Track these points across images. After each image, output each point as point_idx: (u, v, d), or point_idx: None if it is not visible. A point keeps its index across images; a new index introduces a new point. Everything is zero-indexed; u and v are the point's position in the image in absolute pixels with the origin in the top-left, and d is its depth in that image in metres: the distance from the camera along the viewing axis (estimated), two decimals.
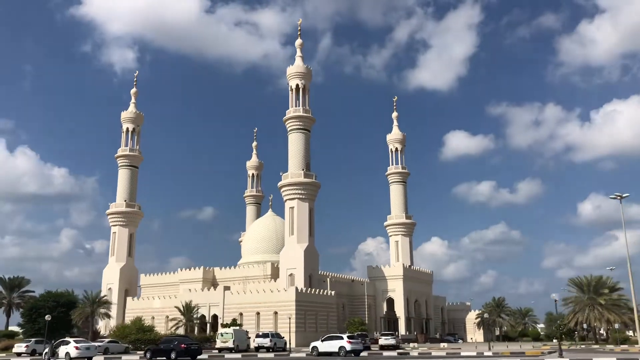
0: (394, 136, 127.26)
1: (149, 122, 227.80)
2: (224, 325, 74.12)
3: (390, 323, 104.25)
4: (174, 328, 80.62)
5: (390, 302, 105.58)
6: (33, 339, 61.47)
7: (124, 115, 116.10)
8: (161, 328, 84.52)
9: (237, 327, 67.87)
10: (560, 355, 40.30)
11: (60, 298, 78.25)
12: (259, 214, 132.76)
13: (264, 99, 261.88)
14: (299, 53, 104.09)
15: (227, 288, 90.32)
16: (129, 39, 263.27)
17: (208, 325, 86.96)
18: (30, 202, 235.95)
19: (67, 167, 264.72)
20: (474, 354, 51.24)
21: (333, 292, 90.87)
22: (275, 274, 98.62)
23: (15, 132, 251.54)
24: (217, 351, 59.51)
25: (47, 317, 53.61)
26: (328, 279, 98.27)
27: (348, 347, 49.73)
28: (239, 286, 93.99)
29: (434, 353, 54.61)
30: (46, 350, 46.59)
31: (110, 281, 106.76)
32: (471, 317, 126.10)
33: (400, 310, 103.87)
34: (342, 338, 51.51)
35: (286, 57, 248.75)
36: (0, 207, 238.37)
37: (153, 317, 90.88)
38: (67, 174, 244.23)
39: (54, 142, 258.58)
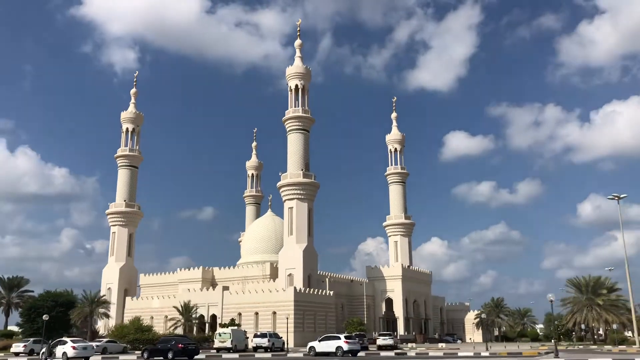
0: (393, 136, 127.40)
1: (150, 123, 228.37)
2: (222, 325, 74.26)
3: (389, 323, 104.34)
4: (172, 328, 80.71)
5: (389, 302, 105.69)
6: (31, 339, 61.47)
7: (124, 115, 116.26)
8: (160, 328, 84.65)
9: (235, 327, 67.93)
10: (556, 356, 40.37)
11: (59, 298, 78.31)
12: (258, 214, 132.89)
13: (264, 99, 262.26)
14: (298, 53, 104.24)
15: (225, 288, 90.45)
16: (129, 39, 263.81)
17: (207, 325, 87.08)
18: (30, 202, 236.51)
19: (67, 167, 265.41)
20: (472, 354, 51.34)
21: (332, 292, 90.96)
22: (274, 274, 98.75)
23: (16, 132, 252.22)
24: (215, 351, 59.60)
25: (45, 317, 53.74)
26: (327, 279, 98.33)
27: (345, 347, 49.82)
28: (238, 286, 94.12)
29: (431, 353, 54.72)
30: (43, 350, 46.70)
31: (109, 281, 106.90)
32: (470, 318, 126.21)
33: (399, 310, 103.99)
34: (339, 338, 51.55)
35: (286, 57, 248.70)
36: (1, 207, 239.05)
37: (152, 317, 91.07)
38: (67, 174, 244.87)
39: (54, 142, 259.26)
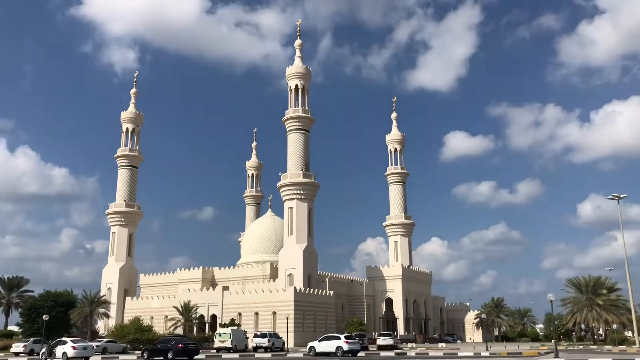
0: (393, 136, 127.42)
1: (150, 123, 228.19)
2: (222, 325, 74.25)
3: (389, 323, 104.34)
4: (172, 328, 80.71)
5: (389, 302, 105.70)
6: (31, 339, 61.46)
7: (124, 115, 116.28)
8: (160, 328, 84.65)
9: (235, 327, 67.93)
10: (556, 356, 40.38)
11: (59, 298, 78.29)
12: (258, 214, 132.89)
13: (264, 99, 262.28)
14: (298, 53, 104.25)
15: (225, 288, 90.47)
16: (130, 39, 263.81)
17: (207, 325, 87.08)
18: (30, 202, 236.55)
19: (67, 167, 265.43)
20: (471, 354, 51.33)
21: (332, 292, 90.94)
22: (274, 274, 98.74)
23: (16, 132, 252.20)
24: (215, 351, 59.60)
25: (45, 317, 53.75)
26: (327, 279, 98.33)
27: (345, 347, 49.83)
28: (238, 286, 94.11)
29: (431, 353, 54.72)
30: (43, 350, 46.71)
31: (109, 281, 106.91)
32: (470, 318, 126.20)
33: (399, 310, 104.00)
34: (339, 338, 51.56)
35: (286, 57, 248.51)
36: (1, 207, 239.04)
37: (152, 317, 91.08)
38: (67, 174, 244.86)
39: (54, 142, 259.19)
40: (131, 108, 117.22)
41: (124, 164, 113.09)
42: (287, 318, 71.72)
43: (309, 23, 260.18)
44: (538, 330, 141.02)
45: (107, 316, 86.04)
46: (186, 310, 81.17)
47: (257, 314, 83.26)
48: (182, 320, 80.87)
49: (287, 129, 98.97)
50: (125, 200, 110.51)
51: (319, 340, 52.69)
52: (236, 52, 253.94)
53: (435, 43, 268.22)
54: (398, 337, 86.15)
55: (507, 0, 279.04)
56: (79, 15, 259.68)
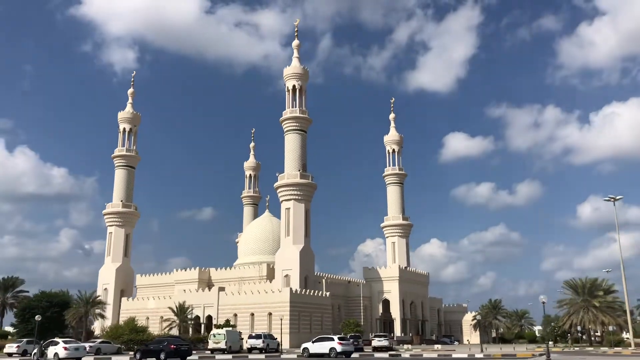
0: (391, 137, 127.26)
1: (150, 123, 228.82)
2: (217, 326, 74.03)
3: (386, 324, 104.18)
4: (167, 329, 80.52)
5: (386, 303, 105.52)
6: (24, 339, 61.36)
7: (121, 115, 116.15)
8: (155, 329, 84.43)
9: (230, 328, 67.79)
10: (548, 358, 40.22)
11: (54, 298, 78.19)
12: (256, 214, 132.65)
13: (264, 99, 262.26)
14: (295, 54, 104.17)
15: (221, 289, 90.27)
16: (129, 39, 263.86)
17: (202, 326, 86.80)
18: (29, 202, 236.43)
19: (66, 167, 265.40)
20: (465, 355, 51.18)
21: (328, 293, 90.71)
22: (271, 275, 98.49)
23: (15, 132, 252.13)
24: (209, 352, 59.45)
25: (37, 318, 53.61)
26: (324, 280, 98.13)
27: (339, 348, 49.75)
28: (234, 287, 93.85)
29: (425, 355, 54.55)
30: (35, 350, 46.56)
31: (106, 281, 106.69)
32: (468, 319, 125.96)
33: (396, 311, 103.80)
34: (333, 339, 51.48)
35: (286, 58, 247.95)
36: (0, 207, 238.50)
37: (147, 318, 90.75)
38: (66, 173, 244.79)
39: (53, 142, 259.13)
40: (128, 108, 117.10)
41: (121, 164, 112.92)
42: (282, 319, 71.49)
43: (309, 23, 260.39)
44: (536, 332, 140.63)
45: (103, 317, 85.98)
46: (181, 311, 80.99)
47: (252, 315, 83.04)
48: (177, 321, 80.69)
49: (285, 130, 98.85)
50: (122, 201, 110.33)
51: (313, 342, 52.59)
52: (236, 53, 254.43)
53: (435, 44, 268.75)
54: (395, 339, 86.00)
55: (507, 1, 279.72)
56: (79, 15, 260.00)
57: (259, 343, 61.52)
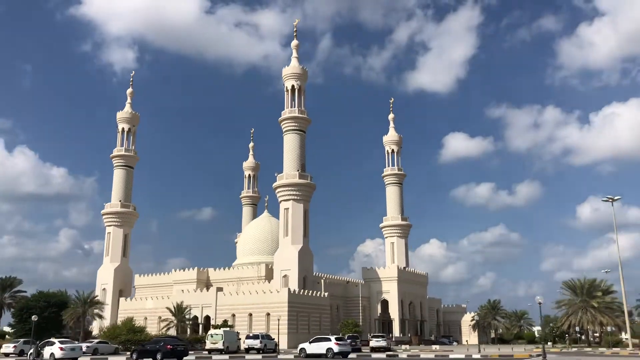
0: (390, 138, 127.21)
1: (150, 123, 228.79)
2: (215, 327, 73.96)
3: (385, 325, 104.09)
4: (165, 329, 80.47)
5: (385, 303, 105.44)
6: (21, 340, 61.33)
7: (120, 115, 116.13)
8: (153, 329, 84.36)
9: (227, 329, 67.70)
10: (544, 359, 40.15)
11: (52, 298, 78.10)
12: (255, 214, 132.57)
13: (263, 99, 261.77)
14: (294, 54, 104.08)
15: (219, 289, 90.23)
16: (129, 39, 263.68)
17: (200, 326, 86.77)
18: (28, 202, 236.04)
19: (66, 167, 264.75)
20: (463, 356, 51.09)
21: (326, 294, 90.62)
22: (269, 275, 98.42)
23: (14, 132, 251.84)
24: (206, 352, 59.35)
25: (34, 318, 53.58)
26: (322, 280, 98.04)
27: (336, 349, 49.59)
28: (233, 287, 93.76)
29: (422, 355, 54.49)
30: (31, 351, 46.50)
31: (104, 281, 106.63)
32: (467, 320, 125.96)
33: (394, 312, 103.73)
34: (330, 340, 51.33)
35: (286, 58, 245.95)
36: None
37: (146, 318, 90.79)
38: (66, 173, 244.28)
39: (52, 142, 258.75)
40: (127, 108, 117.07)
41: (120, 164, 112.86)
42: (279, 319, 71.48)
43: (309, 24, 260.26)
44: (535, 333, 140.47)
45: (101, 317, 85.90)
46: (179, 311, 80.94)
47: (250, 315, 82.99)
48: (175, 322, 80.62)
49: (283, 130, 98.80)
50: (120, 201, 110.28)
51: (310, 342, 52.46)
52: (235, 53, 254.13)
53: (434, 44, 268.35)
54: (393, 339, 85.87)
55: (507, 1, 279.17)
56: (79, 15, 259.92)
57: (256, 343, 61.32)
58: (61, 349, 43.88)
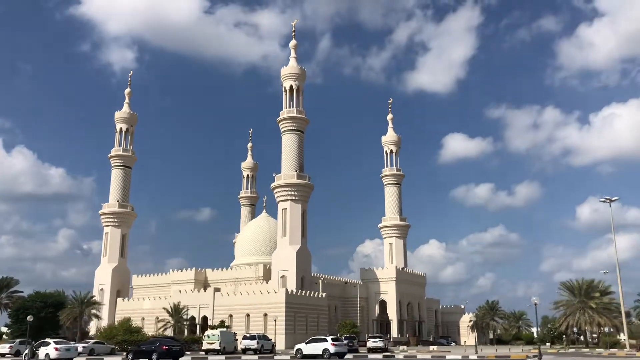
0: (389, 138, 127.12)
1: (149, 123, 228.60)
2: (212, 327, 73.81)
3: (383, 325, 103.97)
4: (162, 329, 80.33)
5: (383, 304, 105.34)
6: (17, 340, 61.27)
7: (118, 115, 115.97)
8: (150, 329, 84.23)
9: (224, 329, 67.56)
10: (540, 359, 40.06)
11: (49, 298, 77.93)
12: (253, 215, 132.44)
13: (263, 100, 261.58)
14: (293, 54, 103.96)
15: (217, 289, 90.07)
16: (128, 39, 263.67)
17: (197, 326, 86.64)
18: (26, 202, 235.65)
19: (64, 167, 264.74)
20: (460, 357, 50.92)
21: (324, 294, 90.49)
22: (267, 276, 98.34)
23: (13, 132, 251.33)
24: (203, 353, 59.21)
25: (29, 318, 53.44)
26: (320, 281, 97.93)
27: (332, 349, 49.47)
28: (230, 288, 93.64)
29: (419, 356, 54.33)
30: (26, 351, 46.35)
31: (102, 282, 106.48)
32: (465, 320, 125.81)
33: (392, 312, 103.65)
34: (326, 340, 51.20)
35: (285, 58, 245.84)
36: None
37: (143, 318, 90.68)
38: (64, 173, 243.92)
39: (51, 142, 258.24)
40: (125, 108, 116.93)
41: (118, 164, 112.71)
42: (275, 320, 71.33)
43: (308, 24, 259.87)
44: (534, 333, 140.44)
45: (98, 317, 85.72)
46: (176, 311, 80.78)
47: (248, 315, 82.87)
48: (172, 322, 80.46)
49: (282, 130, 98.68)
50: (118, 201, 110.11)
51: (306, 343, 52.37)
52: (235, 53, 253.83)
53: (434, 45, 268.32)
54: (391, 340, 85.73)
55: (506, 2, 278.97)
56: (78, 15, 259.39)
57: (253, 344, 61.16)
58: (56, 349, 43.79)
